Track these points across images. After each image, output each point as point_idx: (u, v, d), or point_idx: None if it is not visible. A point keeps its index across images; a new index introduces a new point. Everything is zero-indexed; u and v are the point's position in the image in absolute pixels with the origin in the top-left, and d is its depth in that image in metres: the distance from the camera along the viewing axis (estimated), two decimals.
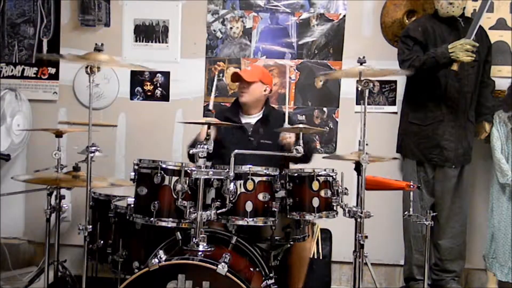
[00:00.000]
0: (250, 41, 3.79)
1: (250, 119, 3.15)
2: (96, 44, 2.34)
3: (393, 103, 3.74)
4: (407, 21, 3.66)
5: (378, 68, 2.37)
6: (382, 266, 3.74)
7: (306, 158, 3.01)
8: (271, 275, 2.44)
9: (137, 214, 2.29)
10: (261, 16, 3.78)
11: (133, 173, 2.31)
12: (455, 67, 3.16)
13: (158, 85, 3.85)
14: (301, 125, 2.48)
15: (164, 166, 2.25)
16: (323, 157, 2.78)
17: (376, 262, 3.63)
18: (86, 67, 2.29)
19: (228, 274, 2.02)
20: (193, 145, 2.82)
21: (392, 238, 3.64)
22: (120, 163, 3.88)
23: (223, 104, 3.75)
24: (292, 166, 3.02)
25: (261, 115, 3.15)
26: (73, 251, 3.63)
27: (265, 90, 3.14)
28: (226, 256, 2.12)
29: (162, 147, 3.83)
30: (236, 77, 3.14)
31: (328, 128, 3.75)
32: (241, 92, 3.11)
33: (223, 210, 2.24)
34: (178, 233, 2.32)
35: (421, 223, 2.59)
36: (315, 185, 2.41)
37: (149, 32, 3.83)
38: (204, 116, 3.76)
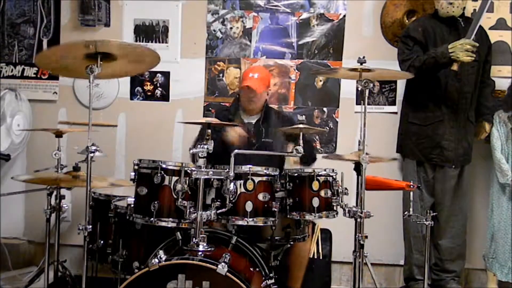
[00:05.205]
0: (250, 41, 3.79)
1: (251, 119, 3.17)
2: (95, 41, 2.33)
3: (393, 103, 3.74)
4: (407, 21, 3.66)
5: (374, 68, 2.36)
6: (382, 266, 3.74)
7: (310, 159, 3.05)
8: (271, 275, 2.44)
9: (137, 214, 2.29)
10: (261, 16, 3.78)
11: (133, 173, 2.31)
12: (455, 67, 3.15)
13: (158, 85, 3.85)
14: (301, 125, 2.48)
15: (164, 166, 2.25)
16: (323, 157, 2.79)
17: (376, 262, 3.63)
18: (86, 67, 2.29)
19: (228, 274, 2.02)
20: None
21: (392, 238, 3.64)
22: (120, 163, 3.87)
23: (223, 104, 3.75)
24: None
25: (261, 115, 3.17)
26: (73, 251, 3.64)
27: (267, 94, 3.21)
28: (226, 256, 2.12)
29: (162, 147, 3.83)
30: (246, 87, 3.13)
31: (328, 128, 3.75)
32: (250, 100, 3.13)
33: (223, 210, 2.24)
34: (178, 233, 2.32)
35: (421, 223, 2.59)
36: (315, 185, 2.42)
37: (149, 32, 3.83)
38: (204, 116, 3.77)
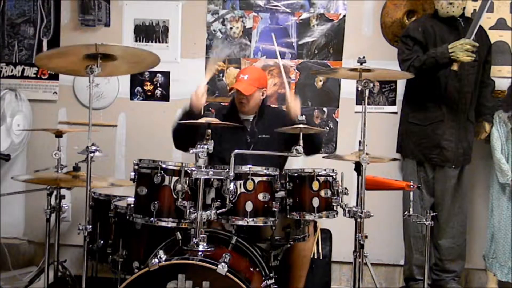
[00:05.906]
0: (250, 41, 3.79)
1: (248, 117, 3.17)
2: (96, 44, 2.33)
3: (393, 103, 3.74)
4: (407, 21, 3.66)
5: (374, 68, 2.36)
6: (382, 266, 3.74)
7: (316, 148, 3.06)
8: (271, 275, 2.44)
9: (137, 214, 2.29)
10: (261, 16, 3.78)
11: (133, 173, 2.31)
12: (455, 67, 3.15)
13: (158, 85, 3.85)
14: (301, 125, 2.48)
15: (164, 166, 2.25)
16: (323, 157, 2.78)
17: (376, 262, 3.63)
18: (86, 67, 2.29)
19: (228, 274, 2.02)
20: (185, 117, 2.86)
21: (392, 238, 3.64)
22: (120, 163, 3.88)
23: (223, 104, 3.75)
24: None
25: (257, 113, 3.17)
26: (73, 251, 3.64)
27: (262, 94, 3.17)
28: (226, 256, 2.12)
29: (162, 147, 3.81)
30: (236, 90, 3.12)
31: (328, 128, 3.75)
32: (241, 102, 3.11)
33: (223, 210, 2.24)
34: (178, 233, 2.32)
35: (421, 223, 2.59)
36: (315, 185, 2.42)
37: (149, 32, 3.83)
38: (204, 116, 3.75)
